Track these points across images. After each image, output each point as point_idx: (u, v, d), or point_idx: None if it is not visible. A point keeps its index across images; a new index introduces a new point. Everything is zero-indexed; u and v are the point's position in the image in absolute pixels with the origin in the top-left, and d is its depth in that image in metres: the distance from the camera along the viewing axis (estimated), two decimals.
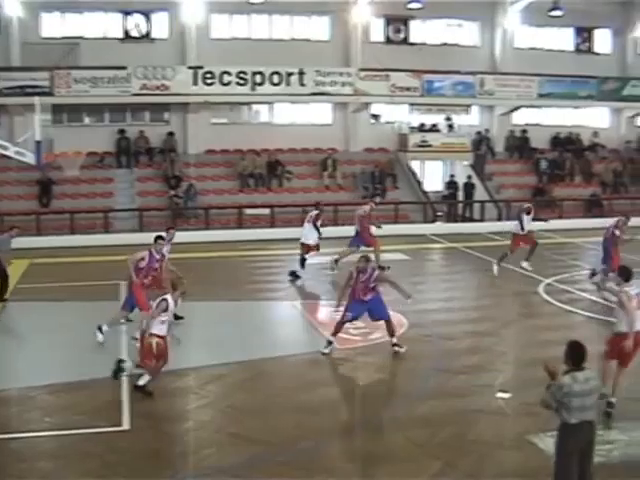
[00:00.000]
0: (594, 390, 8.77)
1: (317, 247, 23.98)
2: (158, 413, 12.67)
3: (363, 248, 23.90)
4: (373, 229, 25.12)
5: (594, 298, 20.25)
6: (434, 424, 11.99)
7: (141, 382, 13.19)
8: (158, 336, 13.06)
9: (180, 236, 19.47)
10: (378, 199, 27.23)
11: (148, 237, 20.84)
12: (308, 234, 23.89)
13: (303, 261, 23.67)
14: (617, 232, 21.71)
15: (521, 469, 10.59)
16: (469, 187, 37.33)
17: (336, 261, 24.23)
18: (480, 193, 36.82)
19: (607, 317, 15.94)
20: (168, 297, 13.19)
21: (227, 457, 11.08)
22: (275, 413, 12.68)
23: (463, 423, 12.06)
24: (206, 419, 12.83)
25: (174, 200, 33.33)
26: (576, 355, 8.76)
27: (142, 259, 16.33)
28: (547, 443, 11.04)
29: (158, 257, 16.52)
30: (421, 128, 38.21)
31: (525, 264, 24.28)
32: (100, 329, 16.34)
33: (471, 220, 35.92)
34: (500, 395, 13.09)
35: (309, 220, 24.13)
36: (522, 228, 24.26)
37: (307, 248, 23.81)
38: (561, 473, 8.73)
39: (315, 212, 24.25)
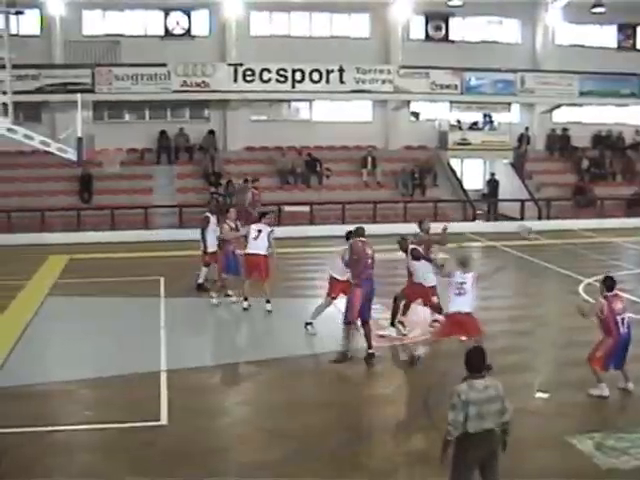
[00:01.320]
0: (493, 399, 8.47)
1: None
2: (195, 408, 12.72)
3: None
4: None
5: (634, 298, 20.05)
6: None
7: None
8: None
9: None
10: None
11: (187, 233, 21.04)
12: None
13: None
14: None
15: (559, 469, 10.52)
16: (492, 184, 37.35)
17: None
18: (520, 192, 36.57)
19: None
20: None
21: (262, 453, 11.11)
22: (310, 410, 12.70)
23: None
24: (242, 415, 12.88)
25: (214, 197, 33.43)
26: (474, 362, 8.55)
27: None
28: (586, 444, 11.00)
29: None
30: (461, 126, 38.04)
31: None
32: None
33: (509, 218, 35.68)
34: (539, 395, 13.00)
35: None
36: None
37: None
38: None
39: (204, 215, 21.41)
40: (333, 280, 16.80)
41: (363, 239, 15.71)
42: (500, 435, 8.61)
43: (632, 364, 13.34)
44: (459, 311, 14.17)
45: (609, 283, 13.16)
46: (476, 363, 8.56)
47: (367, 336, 15.31)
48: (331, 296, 16.92)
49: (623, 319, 12.97)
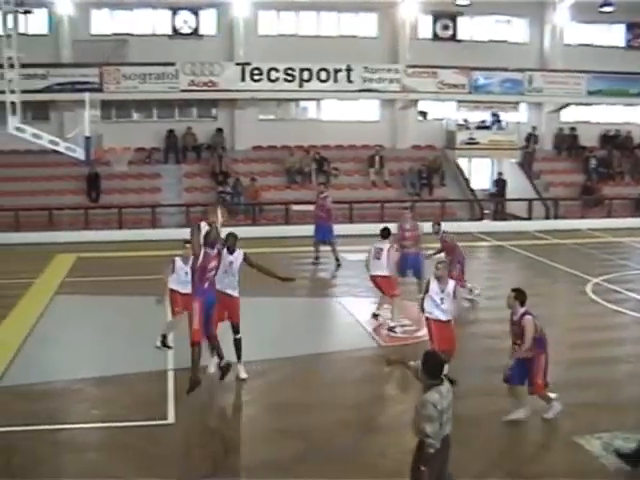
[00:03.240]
0: (451, 403, 8.27)
1: None
2: (203, 407, 12.74)
3: None
4: None
5: None
6: (478, 423, 11.92)
7: None
8: None
9: (227, 232, 19.54)
10: None
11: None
12: None
13: None
14: None
15: (567, 470, 10.50)
16: (500, 183, 37.39)
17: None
18: (528, 191, 36.53)
19: None
20: None
21: (271, 452, 11.10)
22: (320, 409, 12.70)
23: (507, 423, 11.97)
24: (251, 414, 12.90)
25: (221, 196, 33.45)
26: (437, 367, 8.29)
27: None
28: (593, 445, 10.98)
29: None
30: (469, 125, 38.00)
31: None
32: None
33: (516, 218, 35.65)
34: None
35: None
36: None
37: None
38: None
39: None
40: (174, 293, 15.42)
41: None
42: None
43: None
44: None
45: (522, 298, 12.09)
46: (437, 369, 8.28)
47: (215, 349, 13.73)
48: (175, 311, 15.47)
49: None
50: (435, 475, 8.22)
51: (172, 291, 15.37)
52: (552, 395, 12.24)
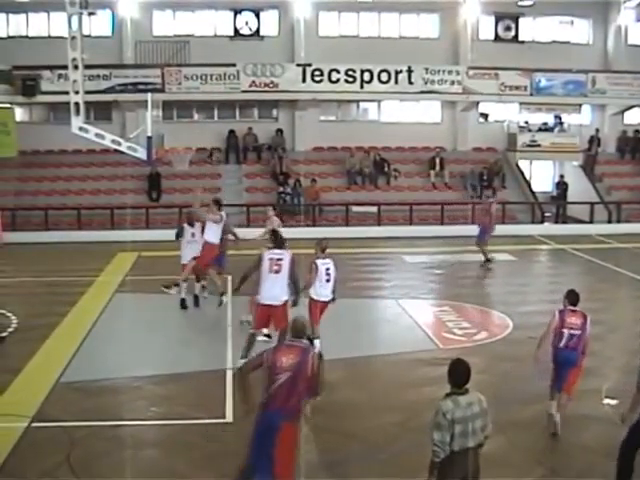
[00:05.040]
0: (477, 416, 7.98)
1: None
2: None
3: None
4: None
5: None
6: (538, 428, 11.80)
7: None
8: None
9: (287, 232, 19.59)
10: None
11: (255, 233, 21.15)
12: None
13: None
14: None
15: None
16: (562, 186, 37.02)
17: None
18: (590, 194, 36.09)
19: None
20: None
21: (327, 454, 11.11)
22: (378, 411, 12.66)
23: (568, 428, 11.81)
24: (307, 415, 12.89)
25: (282, 197, 33.56)
26: (457, 375, 8.03)
27: None
28: None
29: None
30: (530, 127, 37.66)
31: None
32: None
33: (578, 221, 35.24)
34: (607, 401, 12.81)
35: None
36: None
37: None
38: None
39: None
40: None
41: None
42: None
43: None
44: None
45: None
46: (460, 377, 8.04)
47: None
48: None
49: None
50: None
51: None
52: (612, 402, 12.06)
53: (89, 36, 31.47)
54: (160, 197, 33.57)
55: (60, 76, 31.50)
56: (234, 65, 34.30)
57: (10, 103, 33.74)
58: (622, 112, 38.93)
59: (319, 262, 14.86)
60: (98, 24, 34.81)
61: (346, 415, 12.52)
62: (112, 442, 11.41)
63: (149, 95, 26.63)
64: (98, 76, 32.85)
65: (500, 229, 29.68)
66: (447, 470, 7.99)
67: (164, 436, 11.86)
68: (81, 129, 26.92)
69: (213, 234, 18.56)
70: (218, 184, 34.45)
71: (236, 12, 36.78)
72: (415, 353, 15.93)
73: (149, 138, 26.13)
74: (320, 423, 12.31)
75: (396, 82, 35.28)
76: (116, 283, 22.38)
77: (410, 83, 35.34)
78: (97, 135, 27.22)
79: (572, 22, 39.33)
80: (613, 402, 12.64)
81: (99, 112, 34.82)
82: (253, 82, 34.54)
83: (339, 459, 10.79)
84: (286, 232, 19.14)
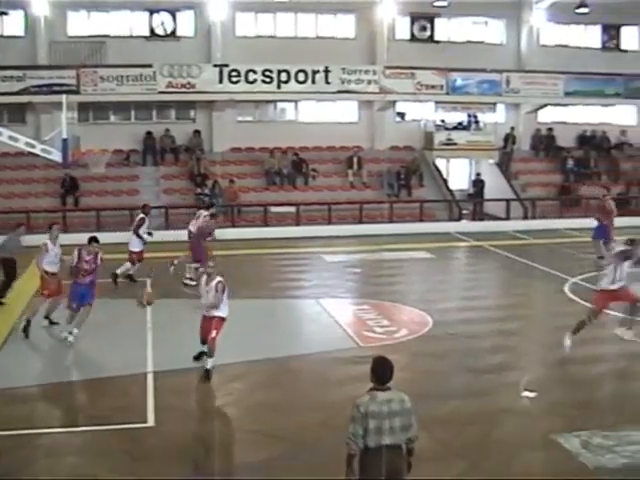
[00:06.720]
0: (395, 414, 7.96)
1: (141, 255, 22.80)
2: (183, 410, 12.69)
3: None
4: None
5: None
6: (458, 424, 11.95)
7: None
8: None
9: None
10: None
11: (173, 235, 21.03)
12: (133, 241, 22.79)
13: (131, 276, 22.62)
14: None
15: (546, 469, 10.55)
16: (478, 184, 37.70)
17: None
18: (506, 191, 36.66)
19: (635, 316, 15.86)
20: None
21: (251, 455, 11.08)
22: (299, 411, 12.67)
23: (488, 423, 12.01)
24: (230, 416, 12.87)
25: (200, 198, 33.39)
26: (378, 373, 8.05)
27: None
28: (572, 443, 11.02)
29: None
30: (447, 126, 38.11)
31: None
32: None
33: (495, 218, 35.78)
34: (525, 394, 13.03)
35: (134, 227, 23.00)
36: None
37: (132, 256, 22.59)
38: None
39: (139, 217, 23.19)
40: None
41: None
42: (405, 454, 8.21)
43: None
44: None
45: None
46: (383, 375, 8.05)
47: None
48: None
49: None
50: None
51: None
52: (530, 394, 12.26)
53: (1, 36, 30.99)
54: (78, 200, 33.06)
55: None
56: (150, 66, 34.02)
57: None
58: (536, 111, 39.63)
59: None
60: (10, 24, 34.13)
61: (269, 416, 12.50)
62: (34, 450, 11.21)
63: (64, 97, 26.23)
64: (11, 77, 32.27)
65: (418, 227, 30.12)
66: (361, 465, 8.05)
67: (87, 442, 11.68)
68: None
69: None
70: (135, 186, 34.15)
71: (152, 12, 36.48)
72: (336, 352, 15.97)
73: (64, 140, 25.73)
74: (244, 424, 12.31)
75: (313, 82, 35.39)
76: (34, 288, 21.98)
77: (327, 83, 35.47)
78: (11, 138, 26.71)
79: (486, 22, 39.92)
80: (532, 395, 12.88)
81: (13, 114, 34.23)
82: (170, 83, 34.31)
83: (264, 460, 10.76)
84: None
